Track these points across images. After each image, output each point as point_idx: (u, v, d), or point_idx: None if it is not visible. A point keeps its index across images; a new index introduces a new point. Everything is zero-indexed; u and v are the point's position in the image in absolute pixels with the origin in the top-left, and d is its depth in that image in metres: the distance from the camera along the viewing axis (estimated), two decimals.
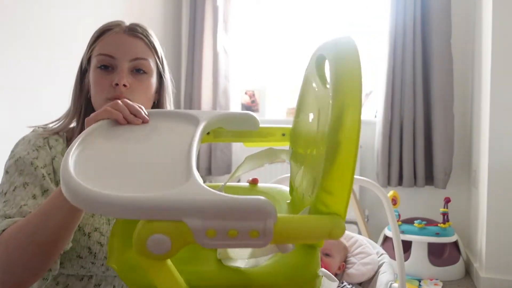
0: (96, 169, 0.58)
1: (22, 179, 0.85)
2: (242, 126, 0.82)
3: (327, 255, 1.37)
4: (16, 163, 0.87)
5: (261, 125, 0.82)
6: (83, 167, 0.56)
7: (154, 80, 0.96)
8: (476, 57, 2.72)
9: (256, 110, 3.45)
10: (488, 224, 2.33)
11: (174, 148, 0.65)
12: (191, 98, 3.35)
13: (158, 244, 0.48)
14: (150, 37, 0.97)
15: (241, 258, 0.58)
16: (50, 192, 0.86)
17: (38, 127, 0.95)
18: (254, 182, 0.82)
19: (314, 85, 0.71)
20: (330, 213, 0.52)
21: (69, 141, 0.95)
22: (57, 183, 0.88)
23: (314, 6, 3.32)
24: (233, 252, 0.57)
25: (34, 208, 0.82)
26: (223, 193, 0.51)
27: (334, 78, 0.55)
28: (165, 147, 0.69)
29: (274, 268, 0.57)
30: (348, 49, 0.59)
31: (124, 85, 0.89)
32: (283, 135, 0.82)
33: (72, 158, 0.57)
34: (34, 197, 0.84)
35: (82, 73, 0.97)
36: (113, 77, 0.90)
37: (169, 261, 0.53)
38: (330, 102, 0.53)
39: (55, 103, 2.01)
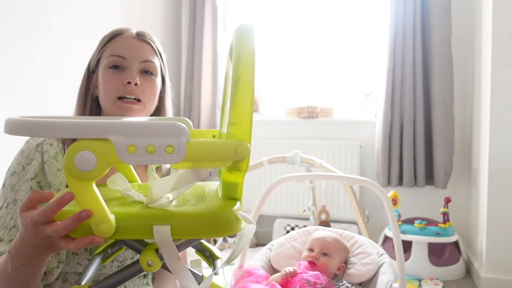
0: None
1: (13, 195, 0.91)
2: None
3: (325, 254, 1.37)
4: (11, 178, 0.93)
5: (193, 129, 0.89)
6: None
7: (159, 81, 1.04)
8: (476, 57, 2.72)
9: (256, 110, 3.45)
10: (489, 223, 2.33)
11: None
12: (190, 98, 3.35)
13: (84, 161, 0.56)
14: (156, 42, 1.05)
15: (164, 194, 0.65)
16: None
17: None
18: None
19: (230, 73, 0.80)
20: (237, 139, 0.60)
21: (70, 142, 0.97)
22: (48, 187, 0.92)
23: (314, 5, 3.32)
24: (157, 192, 0.64)
25: None
26: (143, 119, 0.58)
27: (234, 43, 0.67)
28: None
29: (195, 209, 0.64)
30: (245, 25, 0.72)
31: (136, 84, 0.96)
32: (214, 136, 0.90)
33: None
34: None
35: (90, 73, 1.02)
36: (124, 76, 0.96)
37: (94, 187, 0.59)
38: (232, 58, 0.65)
39: (60, 104, 2.01)
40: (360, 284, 1.38)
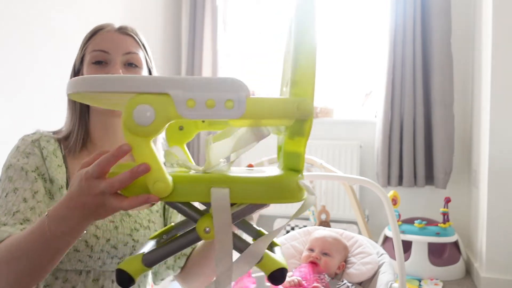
0: None
1: (12, 185, 0.88)
2: None
3: (326, 254, 1.37)
4: (7, 171, 0.90)
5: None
6: None
7: (145, 74, 1.02)
8: (476, 57, 2.72)
9: None
10: (488, 223, 2.33)
11: None
12: None
13: (143, 114, 0.55)
14: (139, 35, 1.03)
15: (223, 157, 0.63)
16: (40, 194, 0.89)
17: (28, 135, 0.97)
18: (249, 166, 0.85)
19: (287, 49, 0.78)
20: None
21: (65, 140, 0.97)
22: (51, 181, 0.91)
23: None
24: (215, 157, 0.62)
25: (26, 211, 0.85)
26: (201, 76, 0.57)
27: (295, 12, 0.62)
28: None
29: (259, 175, 0.61)
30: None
31: None
32: None
33: None
34: (25, 200, 0.87)
35: (75, 73, 1.01)
36: (108, 70, 0.95)
37: (152, 144, 0.58)
38: (293, 26, 0.62)
39: (61, 104, 2.00)
40: (360, 283, 1.38)
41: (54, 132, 1.00)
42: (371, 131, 3.04)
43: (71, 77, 1.01)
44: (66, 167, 0.94)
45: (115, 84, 0.56)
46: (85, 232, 0.89)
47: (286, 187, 0.60)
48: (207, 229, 0.60)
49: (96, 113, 1.00)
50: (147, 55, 1.03)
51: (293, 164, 0.63)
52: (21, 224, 0.84)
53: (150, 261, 0.62)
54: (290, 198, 0.60)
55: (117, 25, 1.01)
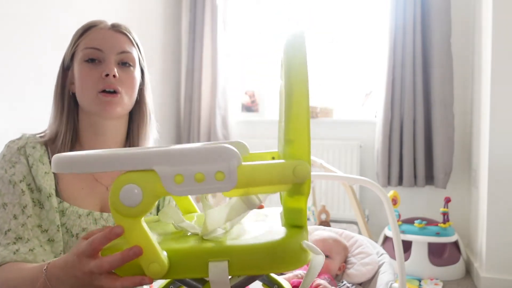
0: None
1: (0, 199, 0.87)
2: None
3: (326, 256, 1.37)
4: None
5: (251, 151, 0.84)
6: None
7: (138, 73, 1.00)
8: (476, 57, 2.72)
9: (256, 110, 3.45)
10: (488, 223, 2.33)
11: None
12: (191, 98, 3.35)
13: (130, 195, 0.52)
14: (133, 33, 1.00)
15: (219, 226, 0.60)
16: (29, 208, 0.87)
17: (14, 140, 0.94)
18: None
19: (281, 85, 0.75)
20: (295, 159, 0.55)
21: (52, 143, 0.94)
22: (38, 190, 0.89)
23: (314, 5, 3.32)
24: (211, 223, 0.60)
25: (17, 228, 0.85)
26: (188, 145, 0.56)
27: (284, 56, 0.61)
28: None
29: (255, 241, 0.58)
30: (294, 36, 0.64)
31: (114, 76, 0.92)
32: (273, 158, 0.83)
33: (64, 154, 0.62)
34: (15, 217, 0.86)
35: (64, 70, 0.98)
36: (102, 69, 0.92)
37: (143, 222, 0.55)
38: (283, 73, 0.60)
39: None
40: (360, 284, 1.38)
41: (40, 136, 0.96)
42: (371, 131, 3.04)
43: (59, 74, 0.98)
44: (55, 174, 0.92)
45: (98, 164, 0.53)
46: (77, 239, 0.89)
47: (289, 253, 0.56)
48: None
49: (86, 113, 0.96)
50: (140, 53, 1.01)
51: (295, 220, 0.60)
52: (14, 243, 0.84)
53: None
54: (294, 265, 0.57)
55: (109, 22, 0.98)
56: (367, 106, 3.21)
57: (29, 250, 0.85)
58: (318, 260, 0.59)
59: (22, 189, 0.88)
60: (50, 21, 2.12)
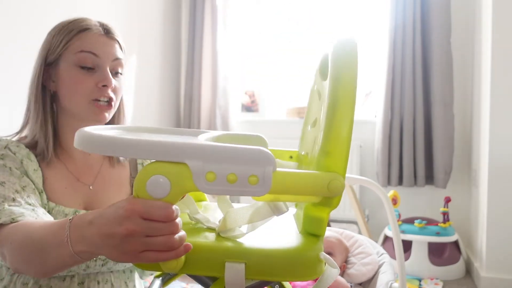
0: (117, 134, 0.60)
1: None
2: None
3: (329, 253, 1.37)
4: None
5: (269, 148, 0.82)
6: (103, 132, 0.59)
7: (124, 80, 1.00)
8: (476, 57, 2.72)
9: (256, 110, 3.45)
10: (489, 223, 2.33)
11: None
12: (191, 98, 3.35)
13: (157, 186, 0.50)
14: (120, 37, 0.98)
15: (239, 225, 0.58)
16: (29, 188, 0.84)
17: None
18: None
19: (315, 87, 0.72)
20: (330, 172, 0.53)
21: (33, 148, 0.90)
22: (31, 183, 0.86)
23: (314, 5, 3.32)
24: (231, 222, 0.58)
25: (22, 199, 0.80)
26: (225, 143, 0.53)
27: (332, 61, 0.58)
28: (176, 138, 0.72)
29: (274, 245, 0.56)
30: (346, 41, 0.61)
31: (112, 87, 0.92)
32: (291, 157, 0.82)
33: (93, 129, 0.60)
34: (17, 191, 0.81)
35: (46, 65, 0.93)
36: (97, 77, 0.90)
37: None
38: (328, 78, 0.57)
39: None
40: (360, 283, 1.38)
41: (20, 138, 0.93)
42: (371, 131, 3.04)
43: (39, 69, 0.93)
44: (42, 173, 0.89)
45: (129, 150, 0.51)
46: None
47: (306, 263, 0.55)
48: None
49: (66, 116, 0.93)
50: (125, 55, 1.00)
51: (314, 229, 0.59)
52: (29, 204, 0.79)
53: None
54: (310, 275, 0.55)
55: (97, 22, 0.95)
56: (367, 106, 3.21)
57: (43, 213, 0.80)
58: (332, 272, 0.57)
59: (20, 173, 0.84)
60: (50, 20, 2.12)
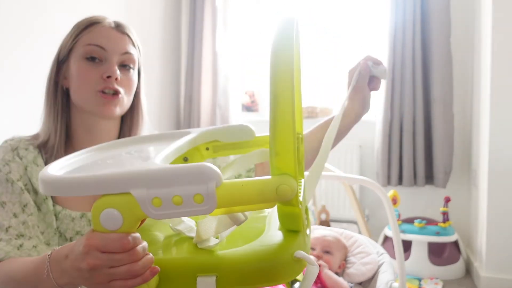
0: (68, 169, 0.60)
1: None
2: (238, 137, 0.83)
3: (327, 252, 1.38)
4: None
5: (257, 134, 0.82)
6: (58, 168, 0.58)
7: (136, 75, 0.99)
8: (476, 57, 2.73)
9: (256, 110, 3.45)
10: (488, 223, 2.33)
11: (151, 152, 0.66)
12: (190, 98, 3.35)
13: (109, 219, 0.51)
14: (135, 34, 0.98)
15: (211, 236, 0.58)
16: (29, 206, 0.85)
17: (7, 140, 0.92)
18: None
19: None
20: (280, 174, 0.51)
21: (45, 146, 0.92)
22: (34, 191, 0.87)
23: (313, 5, 3.32)
24: (204, 232, 0.58)
25: (18, 226, 0.81)
26: (166, 164, 0.52)
27: (270, 59, 0.55)
28: (143, 152, 0.70)
29: (247, 251, 0.55)
30: (281, 31, 0.56)
31: (116, 79, 0.91)
32: None
33: (52, 165, 0.59)
34: (15, 215, 0.83)
35: (59, 63, 0.95)
36: (103, 69, 0.90)
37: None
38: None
39: None
40: (360, 283, 1.38)
41: (33, 137, 0.94)
42: (371, 131, 3.05)
43: (52, 67, 0.95)
44: None
45: (76, 189, 0.51)
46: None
47: (280, 266, 0.53)
48: None
49: (79, 112, 0.94)
50: (140, 54, 0.99)
51: (290, 225, 0.57)
52: (17, 239, 0.80)
53: None
54: (286, 277, 0.54)
55: (111, 19, 0.96)
56: None
57: (33, 246, 0.82)
58: (312, 270, 0.56)
59: (21, 187, 0.85)
60: (50, 20, 2.12)
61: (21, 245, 0.80)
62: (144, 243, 0.55)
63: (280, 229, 0.59)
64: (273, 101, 0.52)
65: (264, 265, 0.53)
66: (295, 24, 0.56)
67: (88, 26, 0.93)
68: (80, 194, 0.51)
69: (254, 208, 0.55)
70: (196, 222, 0.67)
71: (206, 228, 0.57)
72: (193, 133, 0.76)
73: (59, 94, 0.94)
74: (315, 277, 0.56)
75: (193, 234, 0.62)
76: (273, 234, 0.58)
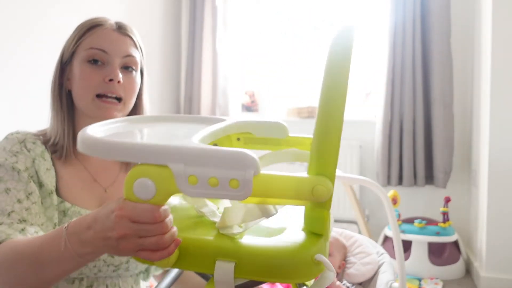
0: (105, 134, 0.61)
1: (3, 185, 0.82)
2: (271, 133, 0.82)
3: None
4: None
5: (290, 134, 0.82)
6: (95, 132, 0.60)
7: (139, 76, 0.98)
8: (476, 57, 2.73)
9: (255, 110, 3.45)
10: (488, 223, 2.33)
11: (188, 132, 0.66)
12: (190, 98, 3.35)
13: (143, 188, 0.51)
14: (137, 35, 0.97)
15: (236, 223, 0.58)
16: (34, 195, 0.84)
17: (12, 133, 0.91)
18: None
19: None
20: (318, 175, 0.52)
21: (53, 144, 0.92)
22: (40, 184, 0.86)
23: (313, 5, 3.32)
24: (229, 219, 0.58)
25: (21, 211, 0.80)
26: (207, 145, 0.53)
27: (326, 61, 0.57)
28: (180, 131, 0.71)
29: (268, 243, 0.56)
30: (341, 37, 0.58)
31: (118, 81, 0.90)
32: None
33: (90, 127, 0.61)
34: (19, 201, 0.81)
35: (62, 65, 0.95)
36: (105, 72, 0.90)
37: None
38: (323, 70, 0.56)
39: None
40: (360, 283, 1.38)
41: (39, 133, 0.94)
42: (371, 131, 3.05)
43: (56, 69, 0.95)
44: (56, 171, 0.89)
45: (115, 152, 0.53)
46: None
47: (299, 265, 0.54)
48: None
49: (84, 116, 0.94)
50: (142, 56, 0.98)
51: (315, 228, 0.57)
52: (19, 223, 0.79)
53: None
54: (303, 277, 0.54)
55: (113, 21, 0.95)
56: (367, 106, 3.21)
57: (35, 232, 0.80)
58: (328, 276, 0.56)
59: (27, 177, 0.84)
60: (50, 20, 2.12)
61: (23, 229, 0.78)
62: (171, 216, 0.55)
63: (303, 229, 0.60)
64: (325, 105, 0.52)
65: (283, 262, 0.53)
66: (354, 33, 0.58)
67: (90, 28, 0.92)
68: (118, 158, 0.53)
69: (287, 202, 0.55)
70: (218, 208, 0.67)
71: (233, 215, 0.58)
72: (228, 121, 0.75)
73: (64, 96, 0.94)
74: (329, 283, 0.56)
75: (215, 219, 0.62)
76: (297, 233, 0.59)
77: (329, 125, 0.52)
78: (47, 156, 0.89)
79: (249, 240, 0.57)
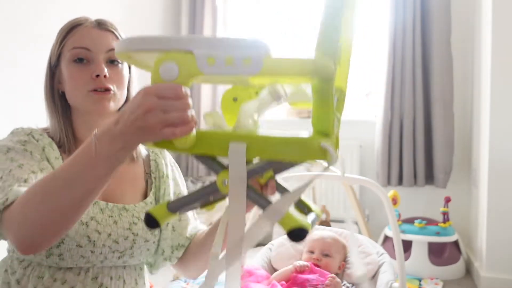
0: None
1: (15, 163, 0.83)
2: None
3: (326, 255, 1.37)
4: (7, 154, 0.85)
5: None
6: None
7: (126, 70, 1.00)
8: (476, 56, 2.73)
9: None
10: (489, 223, 2.33)
11: None
12: (190, 98, 3.35)
13: (168, 71, 0.60)
14: (119, 30, 0.99)
15: (250, 117, 0.65)
16: (47, 172, 0.85)
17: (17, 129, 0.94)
18: None
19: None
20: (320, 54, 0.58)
21: (54, 139, 0.94)
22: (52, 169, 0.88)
23: (313, 5, 3.32)
24: (244, 114, 0.64)
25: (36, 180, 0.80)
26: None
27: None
28: None
29: (278, 136, 0.62)
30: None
31: (105, 76, 0.92)
32: None
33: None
34: (33, 172, 0.83)
35: (51, 69, 0.97)
36: (91, 69, 0.92)
37: None
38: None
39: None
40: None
41: (43, 129, 0.97)
42: (371, 131, 3.04)
43: (46, 74, 0.97)
44: (63, 162, 0.90)
45: (152, 43, 0.61)
46: (87, 227, 0.88)
47: (307, 145, 0.60)
48: (225, 181, 0.63)
49: (79, 113, 0.97)
50: None
51: (321, 126, 0.62)
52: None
53: (174, 207, 0.66)
54: (309, 156, 0.60)
55: (93, 19, 0.98)
56: (367, 106, 3.21)
57: None
58: (332, 158, 0.60)
59: (39, 157, 0.86)
60: (50, 20, 2.12)
61: None
62: (191, 99, 0.63)
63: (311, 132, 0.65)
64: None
65: (292, 140, 0.60)
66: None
67: (71, 29, 0.95)
68: (151, 48, 0.60)
69: (292, 80, 0.63)
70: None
71: (247, 109, 0.64)
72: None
73: (57, 98, 0.97)
74: (334, 163, 0.59)
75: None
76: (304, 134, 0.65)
77: (329, 18, 0.61)
78: (55, 146, 0.93)
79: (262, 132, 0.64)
